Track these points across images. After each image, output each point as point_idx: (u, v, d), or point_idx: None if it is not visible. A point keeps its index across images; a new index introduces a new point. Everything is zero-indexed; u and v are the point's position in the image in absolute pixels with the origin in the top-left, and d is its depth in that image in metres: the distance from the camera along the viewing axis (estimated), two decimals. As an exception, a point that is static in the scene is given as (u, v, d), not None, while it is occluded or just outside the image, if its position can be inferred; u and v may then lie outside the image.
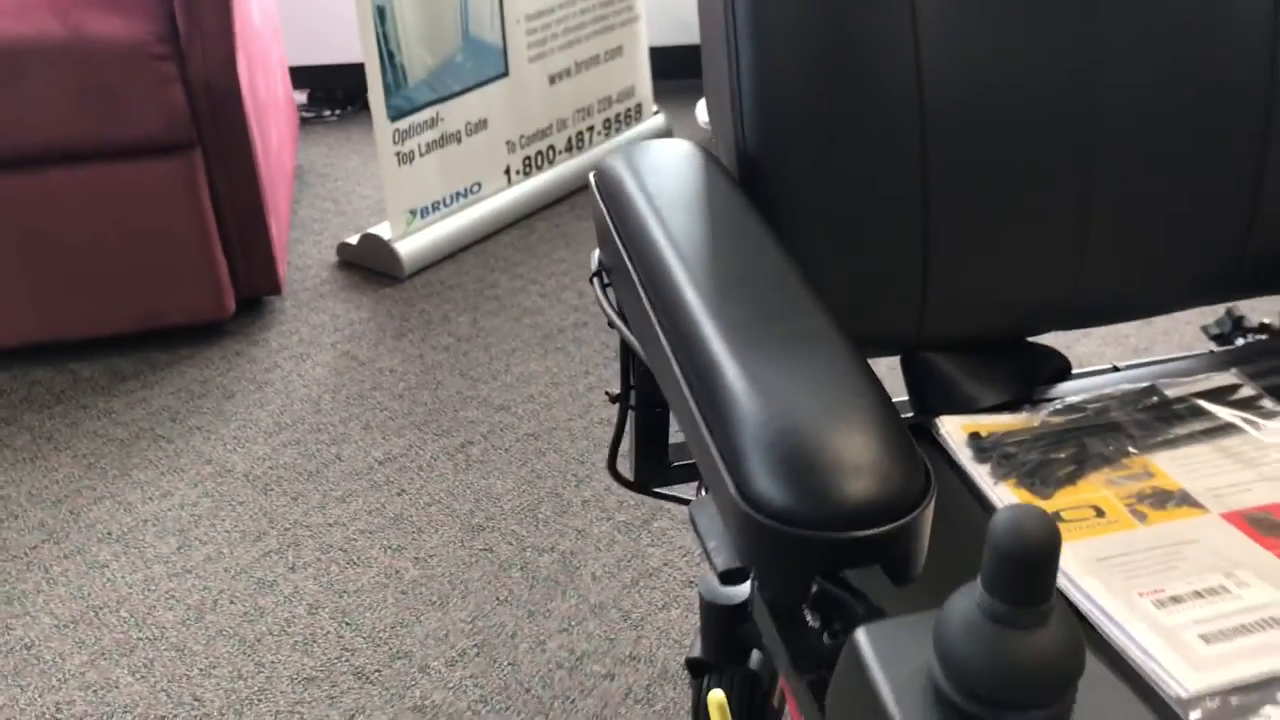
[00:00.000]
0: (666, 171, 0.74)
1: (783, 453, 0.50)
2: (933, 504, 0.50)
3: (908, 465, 0.50)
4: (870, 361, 0.60)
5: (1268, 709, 0.59)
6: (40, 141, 1.86)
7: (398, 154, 2.21)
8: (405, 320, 2.14)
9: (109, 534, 1.65)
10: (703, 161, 0.77)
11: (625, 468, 0.98)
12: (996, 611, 0.39)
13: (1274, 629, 0.64)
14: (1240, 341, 1.00)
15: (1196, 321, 1.88)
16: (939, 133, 0.80)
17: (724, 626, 1.19)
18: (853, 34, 0.77)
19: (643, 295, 0.66)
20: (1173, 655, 0.62)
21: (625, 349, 0.86)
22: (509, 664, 1.41)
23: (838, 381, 0.54)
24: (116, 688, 1.41)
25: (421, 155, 2.26)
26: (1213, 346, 0.99)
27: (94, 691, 1.40)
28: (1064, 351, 0.93)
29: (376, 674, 1.40)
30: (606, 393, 0.86)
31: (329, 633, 1.47)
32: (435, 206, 2.32)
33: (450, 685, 1.38)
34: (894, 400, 0.57)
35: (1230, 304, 1.02)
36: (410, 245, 2.26)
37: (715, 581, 1.21)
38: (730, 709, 1.15)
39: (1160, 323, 2.01)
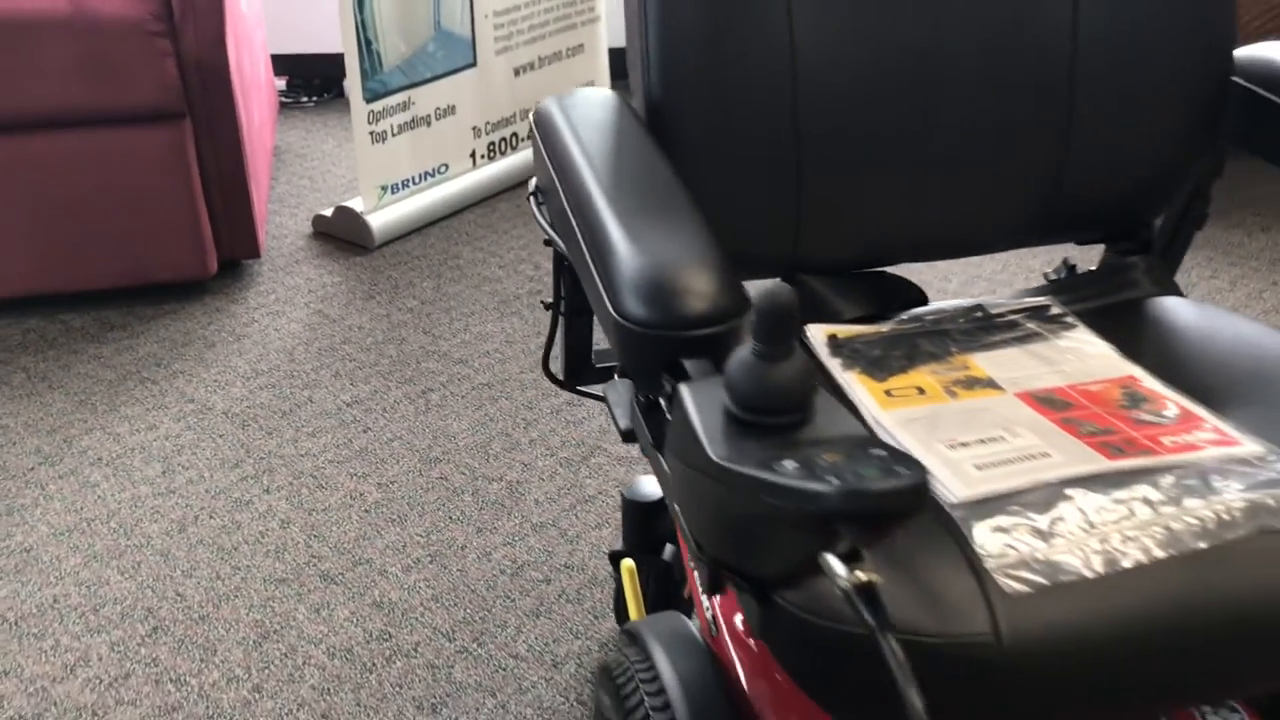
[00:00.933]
0: (588, 109, 0.95)
1: (647, 284, 0.70)
2: (746, 319, 0.71)
3: (731, 293, 0.71)
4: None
5: (1012, 506, 0.79)
6: (43, 107, 2.04)
7: (371, 133, 2.40)
8: (374, 285, 2.32)
9: (99, 459, 1.83)
10: (618, 104, 0.97)
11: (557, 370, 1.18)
12: (760, 351, 0.60)
13: (1029, 461, 0.84)
14: (1070, 285, 1.21)
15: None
16: (807, 95, 1.01)
17: (641, 521, 1.39)
18: (738, 10, 0.98)
19: (562, 196, 0.86)
20: (950, 475, 0.83)
21: (557, 262, 1.06)
22: (458, 570, 1.60)
23: (689, 241, 0.74)
24: (107, 585, 1.58)
25: (394, 135, 2.45)
26: (1048, 288, 1.20)
27: (88, 588, 1.58)
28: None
29: (340, 576, 1.59)
30: (541, 301, 1.06)
31: (299, 543, 1.65)
32: (405, 184, 2.51)
33: (406, 586, 1.57)
34: None
35: (1066, 255, 1.23)
36: (380, 218, 2.46)
37: (637, 485, 1.41)
38: (645, 596, 1.35)
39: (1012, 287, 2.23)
